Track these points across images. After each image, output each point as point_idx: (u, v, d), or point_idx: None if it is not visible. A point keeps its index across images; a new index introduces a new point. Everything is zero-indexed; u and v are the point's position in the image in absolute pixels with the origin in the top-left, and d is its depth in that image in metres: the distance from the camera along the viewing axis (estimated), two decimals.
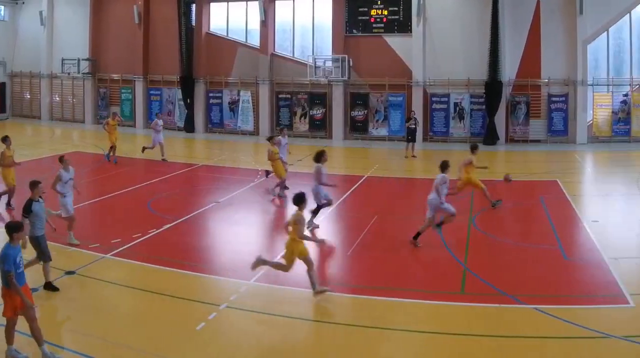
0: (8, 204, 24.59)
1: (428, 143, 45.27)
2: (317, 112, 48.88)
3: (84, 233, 20.38)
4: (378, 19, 47.57)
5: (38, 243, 16.03)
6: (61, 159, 20.58)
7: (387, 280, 17.15)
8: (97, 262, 18.09)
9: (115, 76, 55.96)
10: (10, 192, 24.71)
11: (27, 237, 15.33)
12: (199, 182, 31.94)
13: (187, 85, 51.75)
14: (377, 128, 47.42)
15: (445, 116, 45.98)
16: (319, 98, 48.86)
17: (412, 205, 26.68)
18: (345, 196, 27.43)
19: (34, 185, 16.30)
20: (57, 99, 59.55)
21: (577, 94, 43.63)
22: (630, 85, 43.84)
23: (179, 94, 52.74)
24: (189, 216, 23.87)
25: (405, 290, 16.22)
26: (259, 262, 16.00)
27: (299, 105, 49.51)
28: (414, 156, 39.08)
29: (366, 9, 47.79)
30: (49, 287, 15.96)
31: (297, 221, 15.50)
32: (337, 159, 31.34)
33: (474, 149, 25.58)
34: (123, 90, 55.59)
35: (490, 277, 17.07)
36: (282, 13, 50.84)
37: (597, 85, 44.10)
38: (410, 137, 39.58)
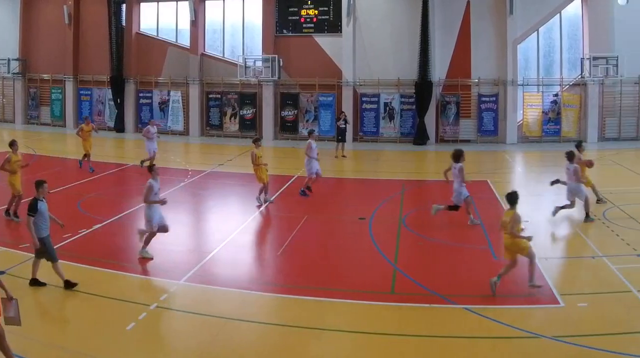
0: (7, 213, 23.00)
1: (358, 143, 45.47)
2: (248, 112, 48.74)
3: (14, 233, 20.13)
4: (308, 19, 47.65)
5: (43, 244, 16.00)
6: (151, 168, 19.58)
7: (317, 280, 17.14)
8: (27, 262, 17.60)
9: (46, 76, 55.20)
10: (18, 198, 23.14)
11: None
12: (129, 182, 31.59)
13: (117, 85, 51.19)
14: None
15: (375, 116, 46.19)
16: (249, 98, 48.74)
17: (341, 205, 26.74)
18: (275, 196, 27.26)
19: (39, 184, 16.22)
20: None
21: (507, 94, 44.29)
22: (560, 85, 44.74)
23: (109, 93, 52.25)
24: (119, 216, 23.66)
25: (336, 290, 16.20)
26: (495, 283, 15.79)
27: (229, 105, 49.31)
28: (344, 156, 39.21)
29: (296, 9, 47.86)
30: (68, 285, 16.08)
31: (514, 220, 15.74)
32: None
33: (579, 145, 25.41)
34: (53, 90, 54.95)
35: (420, 277, 17.15)
36: (212, 13, 50.68)
37: (527, 85, 44.91)
38: (340, 136, 39.79)
